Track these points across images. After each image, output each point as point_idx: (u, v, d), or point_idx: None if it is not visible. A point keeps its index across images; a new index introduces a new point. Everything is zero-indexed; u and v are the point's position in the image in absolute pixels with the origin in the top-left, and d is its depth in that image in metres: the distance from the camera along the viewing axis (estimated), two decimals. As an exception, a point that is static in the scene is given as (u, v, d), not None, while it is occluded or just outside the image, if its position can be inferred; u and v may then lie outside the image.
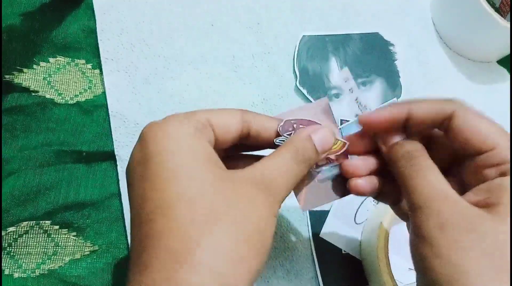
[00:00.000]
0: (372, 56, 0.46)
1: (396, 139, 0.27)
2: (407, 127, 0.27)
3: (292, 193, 0.27)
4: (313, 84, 0.44)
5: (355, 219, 0.41)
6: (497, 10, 0.47)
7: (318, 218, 0.40)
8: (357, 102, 0.44)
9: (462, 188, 0.25)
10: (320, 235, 0.39)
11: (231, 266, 0.20)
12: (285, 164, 0.25)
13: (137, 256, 0.21)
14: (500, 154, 0.23)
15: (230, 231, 0.21)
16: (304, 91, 0.43)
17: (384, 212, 0.37)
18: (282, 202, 0.25)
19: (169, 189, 0.22)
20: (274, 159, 0.25)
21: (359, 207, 0.41)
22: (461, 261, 0.20)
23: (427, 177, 0.24)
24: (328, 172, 0.28)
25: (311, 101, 0.43)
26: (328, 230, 0.40)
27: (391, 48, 0.47)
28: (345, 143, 0.28)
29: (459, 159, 0.26)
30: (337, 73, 0.44)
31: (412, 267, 0.40)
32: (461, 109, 0.24)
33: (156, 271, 0.20)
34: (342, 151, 0.28)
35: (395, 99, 0.45)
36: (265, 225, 0.23)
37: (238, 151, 0.29)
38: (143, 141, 0.24)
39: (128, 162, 0.24)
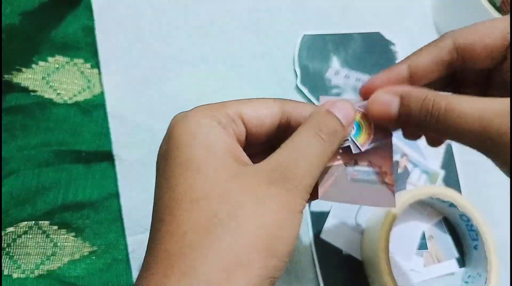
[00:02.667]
0: (373, 55, 0.46)
1: (395, 104, 0.24)
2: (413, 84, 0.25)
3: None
4: (313, 83, 0.43)
5: (356, 219, 0.40)
6: (498, 9, 0.47)
7: (318, 219, 0.40)
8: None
9: None
10: (320, 236, 0.39)
11: (225, 274, 0.19)
12: (305, 143, 0.22)
13: (146, 255, 0.21)
14: None
15: (230, 236, 0.20)
16: (305, 91, 0.43)
17: (384, 212, 0.37)
18: (309, 189, 0.22)
19: (178, 187, 0.21)
20: (292, 141, 0.23)
21: (359, 208, 0.41)
22: None
23: (464, 107, 0.21)
24: (365, 175, 0.25)
25: (311, 101, 0.43)
26: (329, 230, 0.39)
27: (392, 47, 0.47)
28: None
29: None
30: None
31: (413, 267, 0.40)
32: (456, 34, 0.24)
33: (153, 274, 0.20)
34: (361, 150, 0.25)
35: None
36: (279, 224, 0.21)
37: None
38: (167, 133, 0.23)
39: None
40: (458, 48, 0.24)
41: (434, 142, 0.29)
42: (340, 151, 0.25)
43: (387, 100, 0.24)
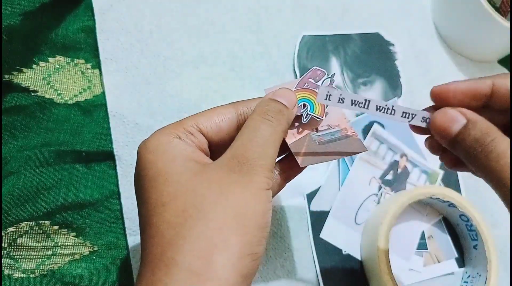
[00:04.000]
0: (372, 56, 0.46)
1: (458, 124, 0.24)
2: (488, 107, 0.25)
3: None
4: (313, 84, 0.43)
5: (356, 219, 0.40)
6: (498, 9, 0.47)
7: (318, 219, 0.40)
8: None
9: None
10: (320, 236, 0.39)
11: (204, 258, 0.21)
12: (253, 129, 0.25)
13: (139, 266, 0.23)
14: None
15: (201, 224, 0.22)
16: (304, 91, 0.43)
17: (384, 212, 0.37)
18: (268, 167, 0.24)
19: (150, 199, 0.23)
20: (242, 131, 0.25)
21: (359, 208, 0.41)
22: None
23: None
24: (329, 136, 0.29)
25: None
26: (329, 230, 0.40)
27: (391, 48, 0.47)
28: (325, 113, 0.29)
29: None
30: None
31: (413, 267, 0.40)
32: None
33: (143, 275, 0.22)
34: (322, 118, 0.29)
35: (396, 99, 0.45)
36: (244, 203, 0.23)
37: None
38: (136, 161, 0.25)
39: None
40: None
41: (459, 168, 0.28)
42: (300, 126, 0.29)
43: (453, 117, 0.24)
